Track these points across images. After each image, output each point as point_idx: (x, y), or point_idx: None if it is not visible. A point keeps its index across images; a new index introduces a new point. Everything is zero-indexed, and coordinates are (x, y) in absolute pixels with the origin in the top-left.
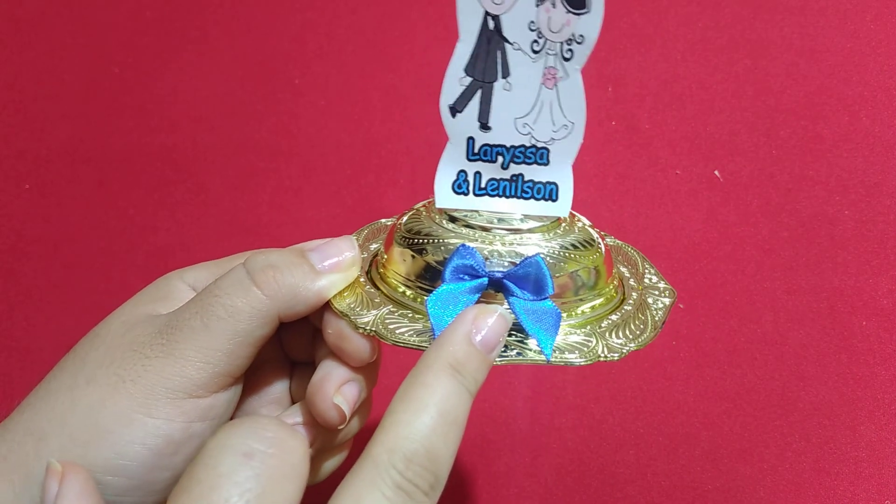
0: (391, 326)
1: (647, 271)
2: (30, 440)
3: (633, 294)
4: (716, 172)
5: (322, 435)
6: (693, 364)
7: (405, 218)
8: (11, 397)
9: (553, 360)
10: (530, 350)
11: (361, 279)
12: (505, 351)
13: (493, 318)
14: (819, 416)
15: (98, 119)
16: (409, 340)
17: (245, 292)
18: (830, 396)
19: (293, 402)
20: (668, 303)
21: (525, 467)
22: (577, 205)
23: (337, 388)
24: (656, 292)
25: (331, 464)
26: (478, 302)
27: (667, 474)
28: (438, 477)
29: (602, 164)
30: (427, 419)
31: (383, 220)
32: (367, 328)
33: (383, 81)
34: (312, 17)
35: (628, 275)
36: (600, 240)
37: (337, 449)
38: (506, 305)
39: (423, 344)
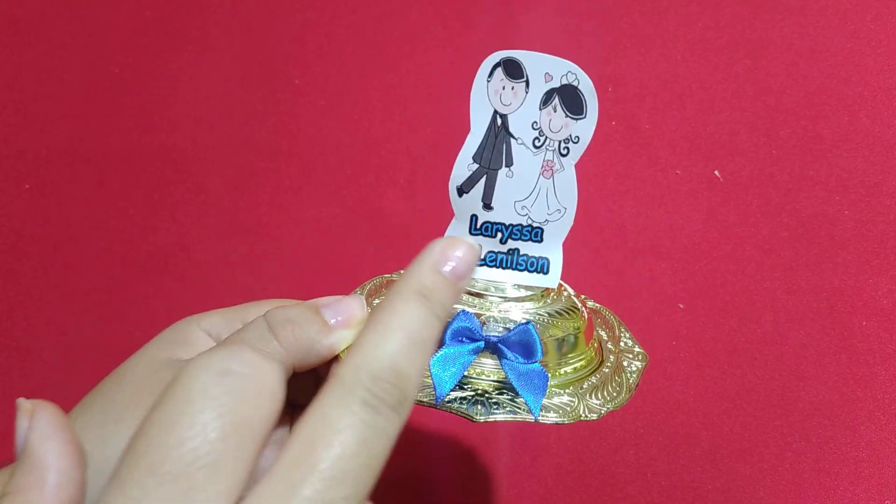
0: None
1: (622, 335)
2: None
3: (611, 357)
4: (716, 172)
5: None
6: (693, 364)
7: None
8: (11, 397)
9: (540, 419)
10: (520, 409)
11: None
12: (497, 408)
13: (461, 249)
14: (819, 416)
15: (98, 119)
16: None
17: (266, 343)
18: (830, 396)
19: None
20: (640, 366)
21: (525, 467)
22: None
23: None
24: (630, 355)
25: None
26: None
27: (667, 474)
28: (406, 395)
29: (602, 164)
30: (394, 341)
31: (387, 276)
32: None
33: (383, 81)
34: (312, 17)
35: (606, 338)
36: (583, 307)
37: None
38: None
39: (424, 399)
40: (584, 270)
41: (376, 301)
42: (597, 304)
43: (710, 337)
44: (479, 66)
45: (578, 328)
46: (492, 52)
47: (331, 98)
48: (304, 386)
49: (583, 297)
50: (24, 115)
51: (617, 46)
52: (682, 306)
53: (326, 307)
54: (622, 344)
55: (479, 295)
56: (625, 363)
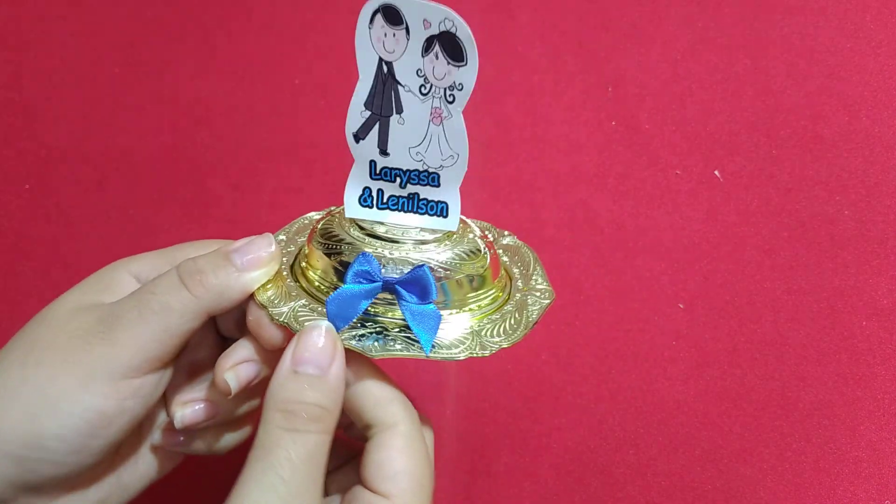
0: (301, 319)
1: (535, 272)
2: None
3: (517, 295)
4: (716, 172)
5: (223, 408)
6: (693, 364)
7: (321, 223)
8: None
9: (431, 355)
10: (414, 346)
11: (284, 273)
12: (393, 345)
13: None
14: (819, 416)
15: (98, 119)
16: None
17: (177, 293)
18: (830, 396)
19: None
20: (545, 303)
21: (525, 467)
22: (577, 205)
23: (233, 365)
24: (538, 293)
25: (232, 437)
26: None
27: (667, 474)
28: None
29: (602, 164)
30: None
31: (313, 214)
32: (281, 319)
33: None
34: (312, 17)
35: (518, 276)
36: (487, 248)
37: (238, 423)
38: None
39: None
40: (584, 270)
41: (301, 239)
42: (518, 242)
43: (710, 337)
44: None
45: (480, 268)
46: (490, 52)
47: (331, 98)
48: (230, 319)
49: (503, 232)
50: (24, 115)
51: (617, 46)
52: (682, 306)
53: (236, 251)
54: (532, 282)
55: (383, 239)
56: (530, 301)
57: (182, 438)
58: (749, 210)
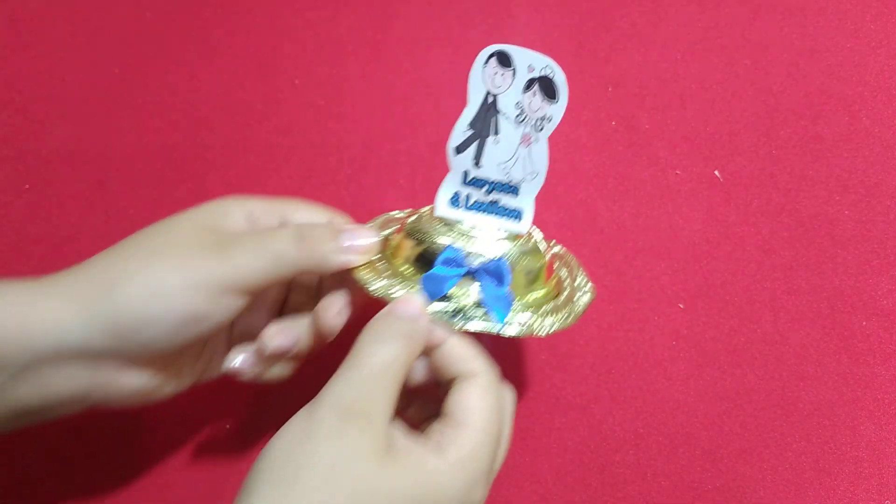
0: (391, 293)
1: (578, 275)
2: (104, 283)
3: (566, 290)
4: (716, 172)
5: (302, 343)
6: (693, 364)
7: (412, 218)
8: None
9: (504, 331)
10: (488, 322)
11: (376, 258)
12: (471, 321)
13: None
14: (819, 416)
15: (98, 119)
16: (392, 295)
17: (292, 247)
18: (830, 396)
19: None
20: (588, 298)
21: (525, 467)
22: (577, 205)
23: (339, 310)
24: (580, 292)
25: (283, 370)
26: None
27: (667, 474)
28: None
29: (602, 164)
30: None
31: (393, 213)
32: (376, 293)
33: (383, 81)
34: (312, 17)
35: (565, 276)
36: (547, 251)
37: (294, 360)
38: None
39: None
40: (584, 269)
41: (384, 232)
42: (562, 250)
43: (710, 337)
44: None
45: (541, 265)
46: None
47: (331, 98)
48: (307, 280)
49: (552, 242)
50: (24, 115)
51: (617, 46)
52: (682, 306)
53: (345, 233)
54: (577, 282)
55: (467, 234)
56: (576, 297)
57: (254, 361)
58: (749, 210)
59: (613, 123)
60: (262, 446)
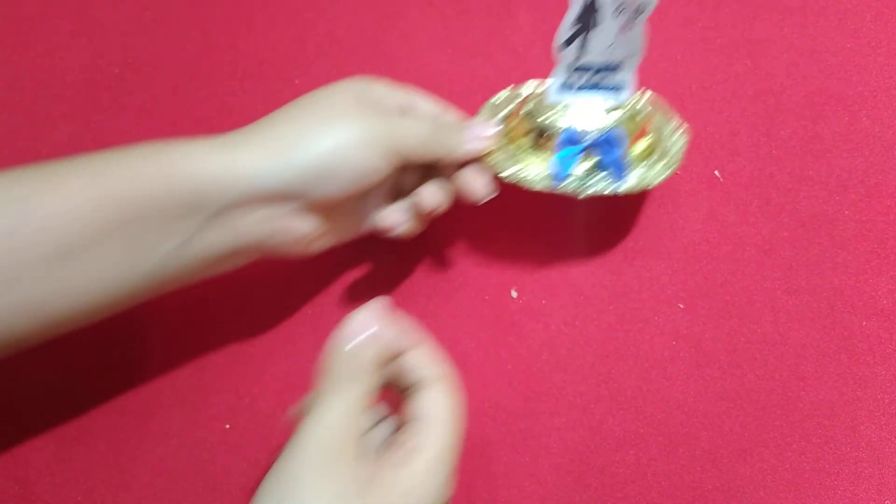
0: (521, 175)
1: (672, 117)
2: (295, 137)
3: (663, 140)
4: (716, 172)
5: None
6: (693, 364)
7: (526, 108)
8: (17, 395)
9: (622, 188)
10: (608, 183)
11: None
12: (596, 184)
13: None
14: (819, 416)
15: (98, 119)
16: (534, 182)
17: (424, 134)
18: (830, 396)
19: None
20: (683, 142)
21: (525, 467)
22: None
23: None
24: (675, 138)
25: (415, 226)
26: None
27: (667, 474)
28: None
29: None
30: None
31: (497, 98)
32: (505, 177)
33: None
34: (312, 17)
35: (662, 122)
36: (646, 109)
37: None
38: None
39: (540, 186)
40: (584, 270)
41: (501, 114)
42: (653, 95)
43: (709, 337)
44: (479, 65)
45: (640, 124)
46: (490, 52)
47: None
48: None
49: (643, 90)
50: (25, 115)
51: None
52: (681, 306)
53: (469, 128)
54: (670, 126)
55: (578, 113)
56: (672, 142)
57: (406, 218)
58: (749, 210)
59: None
60: (262, 446)
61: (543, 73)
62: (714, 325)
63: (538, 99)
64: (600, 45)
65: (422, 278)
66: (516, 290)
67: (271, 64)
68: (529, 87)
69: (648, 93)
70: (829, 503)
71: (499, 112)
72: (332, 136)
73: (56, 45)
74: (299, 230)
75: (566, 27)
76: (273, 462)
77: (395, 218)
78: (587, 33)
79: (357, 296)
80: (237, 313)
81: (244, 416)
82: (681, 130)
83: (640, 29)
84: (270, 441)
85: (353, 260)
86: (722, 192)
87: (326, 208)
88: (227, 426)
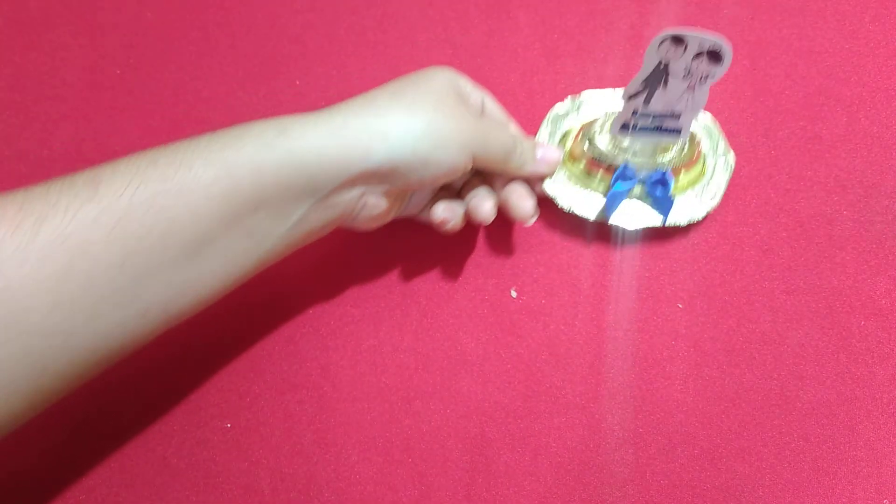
0: (574, 210)
1: (719, 141)
2: (401, 125)
3: (710, 168)
4: None
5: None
6: (692, 364)
7: (587, 145)
8: None
9: (669, 223)
10: (656, 221)
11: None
12: (645, 219)
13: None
14: (817, 415)
15: (98, 119)
16: (588, 213)
17: (518, 152)
18: (829, 396)
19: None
20: (729, 169)
21: (525, 467)
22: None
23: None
24: (723, 160)
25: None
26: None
27: (666, 474)
28: None
29: None
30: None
31: (580, 101)
32: (560, 206)
33: (383, 81)
34: (313, 17)
35: (707, 149)
36: (698, 145)
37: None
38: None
39: (586, 215)
40: (584, 269)
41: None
42: (713, 122)
43: (708, 337)
44: (479, 67)
45: (693, 151)
46: (488, 53)
47: (331, 99)
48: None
49: (707, 115)
50: (25, 115)
51: (616, 47)
52: (681, 306)
53: (539, 147)
54: (719, 148)
55: (636, 152)
56: (719, 168)
57: (459, 217)
58: (749, 210)
59: None
60: (261, 445)
61: (544, 74)
62: (713, 324)
63: (598, 123)
64: (666, 99)
65: (422, 278)
66: (516, 290)
67: (271, 64)
68: (588, 99)
69: (707, 115)
70: (828, 502)
71: (559, 123)
72: (438, 129)
73: (57, 46)
74: (379, 208)
75: (636, 84)
76: (273, 462)
77: (451, 214)
78: (653, 90)
79: (357, 296)
80: (237, 313)
81: (245, 416)
82: (725, 158)
83: (705, 90)
84: (270, 441)
85: (353, 260)
86: None
87: (405, 192)
88: (228, 425)
